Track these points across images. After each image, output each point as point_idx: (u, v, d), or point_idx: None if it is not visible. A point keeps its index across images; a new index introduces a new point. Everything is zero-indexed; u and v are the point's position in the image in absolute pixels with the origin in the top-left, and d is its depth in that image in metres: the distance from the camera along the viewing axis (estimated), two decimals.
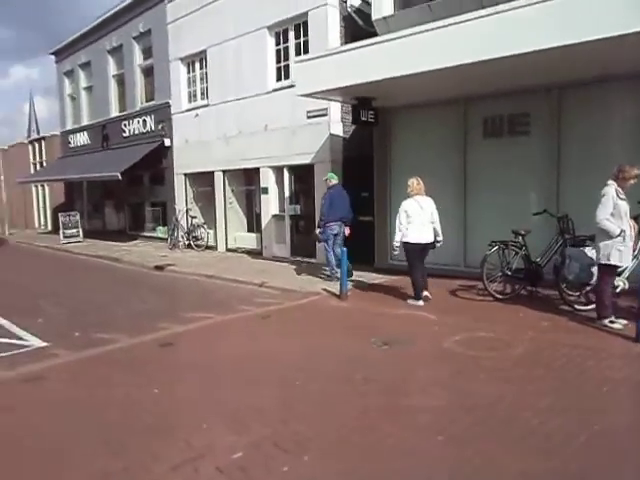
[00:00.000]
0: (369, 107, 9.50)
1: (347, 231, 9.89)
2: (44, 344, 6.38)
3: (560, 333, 6.01)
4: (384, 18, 10.22)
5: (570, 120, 8.43)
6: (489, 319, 6.75)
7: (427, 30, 7.63)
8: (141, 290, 10.05)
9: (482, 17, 6.77)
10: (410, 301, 7.83)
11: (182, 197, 16.03)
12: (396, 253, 7.93)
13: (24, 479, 3.30)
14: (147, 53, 17.25)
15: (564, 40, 6.11)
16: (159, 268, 12.40)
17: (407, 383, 4.62)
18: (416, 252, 7.74)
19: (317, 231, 9.92)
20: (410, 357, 5.36)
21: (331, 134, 11.49)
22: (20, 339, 6.68)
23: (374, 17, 10.35)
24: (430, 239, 7.79)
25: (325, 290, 8.95)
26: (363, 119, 9.40)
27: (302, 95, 9.16)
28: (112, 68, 19.10)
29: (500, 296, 7.74)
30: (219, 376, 4.92)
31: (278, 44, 12.63)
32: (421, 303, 7.69)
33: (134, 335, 6.44)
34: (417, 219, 7.66)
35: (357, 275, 9.65)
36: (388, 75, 7.73)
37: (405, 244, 7.75)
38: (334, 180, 9.95)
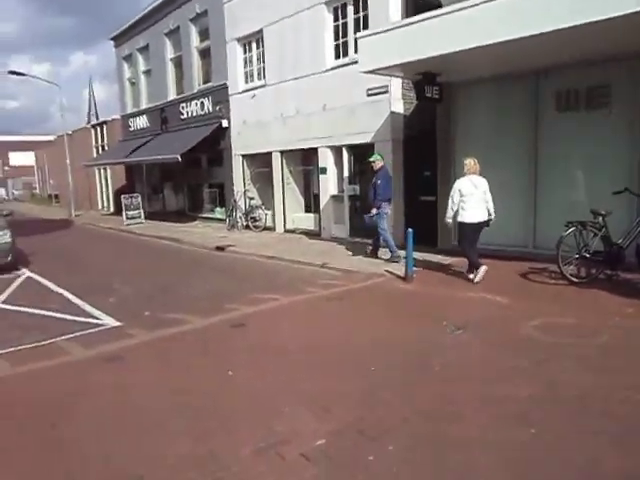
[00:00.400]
0: (434, 83, 9.14)
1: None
2: (118, 323, 6.56)
3: None
4: None
5: None
6: (566, 304, 6.42)
7: None
8: (204, 270, 10.21)
9: None
10: (471, 275, 7.96)
11: (240, 178, 16.13)
12: (449, 226, 8.39)
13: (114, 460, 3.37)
14: (204, 35, 17.32)
15: None
16: (220, 249, 12.57)
17: (489, 371, 4.42)
18: (471, 231, 7.89)
19: (374, 212, 9.71)
20: (487, 343, 5.15)
21: (392, 112, 11.18)
22: (95, 318, 6.90)
23: None
24: (484, 217, 7.86)
25: (388, 272, 8.78)
26: (428, 95, 9.06)
27: (365, 72, 8.91)
28: (169, 51, 19.32)
29: (576, 280, 7.34)
30: (293, 359, 4.88)
31: (336, 20, 12.33)
32: (484, 268, 7.84)
33: (204, 316, 6.51)
34: (471, 198, 7.74)
35: (420, 256, 9.39)
36: (461, 47, 7.35)
37: (461, 224, 7.92)
38: (381, 161, 9.93)
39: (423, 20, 7.73)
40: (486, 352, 4.89)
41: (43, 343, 5.83)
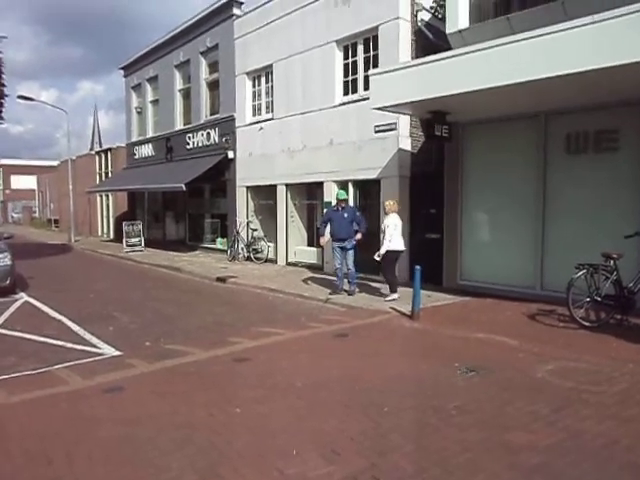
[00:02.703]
0: (443, 121, 9.20)
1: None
2: (118, 353, 6.38)
3: None
4: (459, 31, 9.96)
5: None
6: (579, 348, 6.26)
7: (517, 40, 7.29)
8: (206, 301, 10.04)
9: (579, 26, 6.38)
10: (389, 297, 9.31)
11: (243, 209, 16.11)
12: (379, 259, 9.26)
13: None
14: (213, 67, 17.60)
15: None
16: (221, 280, 12.42)
17: (506, 417, 4.24)
18: (396, 258, 9.44)
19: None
20: (502, 387, 4.97)
21: (400, 149, 11.24)
22: (94, 346, 6.71)
23: (448, 30, 10.11)
24: (404, 247, 9.58)
25: (394, 309, 8.64)
26: (437, 134, 9.10)
27: (376, 108, 8.97)
28: (178, 82, 19.60)
29: (587, 323, 7.20)
30: (302, 397, 4.69)
31: (346, 58, 12.55)
32: (397, 295, 9.32)
33: (206, 348, 6.33)
34: (397, 230, 9.31)
35: (424, 295, 9.25)
36: (473, 88, 7.44)
37: (391, 252, 9.24)
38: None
39: (437, 60, 7.84)
40: (502, 396, 4.71)
41: (40, 371, 5.64)
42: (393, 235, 9.18)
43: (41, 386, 5.06)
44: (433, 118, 9.03)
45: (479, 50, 7.38)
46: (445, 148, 10.35)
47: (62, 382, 5.20)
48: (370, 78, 8.88)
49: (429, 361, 5.83)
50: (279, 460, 3.49)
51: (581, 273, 7.19)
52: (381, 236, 9.45)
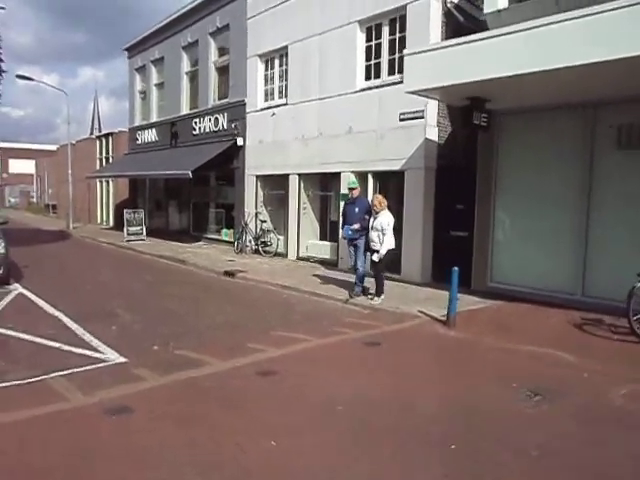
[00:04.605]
0: (482, 109, 8.38)
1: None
2: (122, 359, 5.60)
3: None
4: (498, 11, 9.13)
5: None
6: None
7: (571, 18, 6.51)
8: (214, 298, 9.26)
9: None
10: (377, 299, 8.61)
11: (252, 200, 15.27)
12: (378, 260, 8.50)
13: None
14: (223, 49, 16.71)
15: None
16: (229, 274, 11.63)
17: (604, 462, 3.48)
18: (390, 258, 8.72)
19: (356, 226, 9.00)
20: (580, 418, 4.21)
21: (426, 139, 10.42)
22: (95, 350, 5.92)
23: (487, 10, 9.29)
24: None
25: (423, 313, 7.87)
26: (475, 122, 8.29)
27: (411, 92, 8.13)
28: (185, 64, 18.68)
29: None
30: (348, 427, 3.91)
31: (369, 40, 11.67)
32: (383, 297, 8.64)
33: (224, 357, 5.56)
34: (392, 228, 8.58)
35: None
36: (522, 70, 6.65)
37: (388, 251, 8.50)
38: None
39: (483, 39, 7.01)
40: (586, 432, 3.94)
41: (33, 380, 4.87)
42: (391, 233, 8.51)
43: (34, 402, 4.29)
44: (472, 105, 8.20)
45: (534, 27, 6.56)
46: (479, 139, 9.52)
47: (59, 397, 4.43)
48: (405, 58, 8.04)
49: (482, 380, 5.07)
50: None
51: None
52: (374, 235, 8.55)
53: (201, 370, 5.13)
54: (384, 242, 8.40)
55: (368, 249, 8.87)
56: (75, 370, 5.16)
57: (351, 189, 9.53)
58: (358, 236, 9.06)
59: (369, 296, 8.88)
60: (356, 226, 8.98)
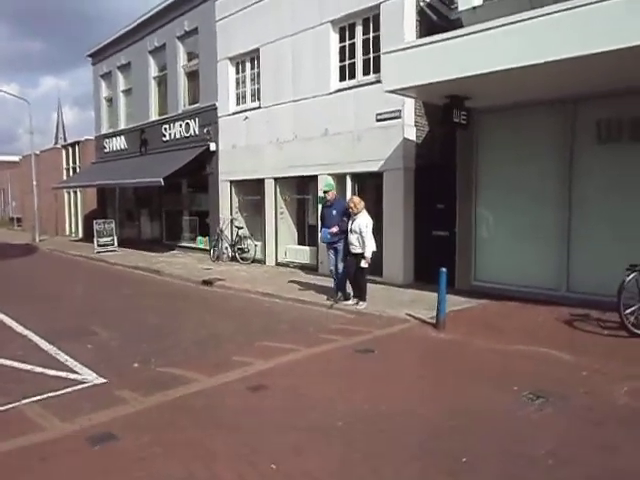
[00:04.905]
0: (462, 107, 8.29)
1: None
2: (101, 380, 5.25)
3: None
4: (473, 8, 9.08)
5: None
6: None
7: (547, 13, 6.50)
8: (194, 309, 8.92)
9: None
10: (362, 303, 8.35)
11: (227, 206, 14.92)
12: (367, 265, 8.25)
13: None
14: (192, 53, 16.34)
15: None
16: (207, 283, 11.28)
17: (620, 468, 3.33)
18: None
19: (334, 230, 8.74)
20: (587, 420, 4.07)
21: (404, 138, 10.29)
22: (71, 371, 5.55)
23: (461, 7, 9.27)
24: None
25: (411, 316, 7.71)
26: (455, 120, 8.19)
27: (390, 91, 7.98)
28: (153, 69, 18.23)
29: (638, 331, 6.40)
30: (352, 444, 3.66)
31: (343, 40, 11.51)
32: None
33: (210, 372, 5.26)
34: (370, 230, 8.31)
35: (435, 298, 8.30)
36: (503, 66, 6.59)
37: (364, 255, 8.19)
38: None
39: (464, 35, 6.90)
40: (597, 435, 3.80)
41: (4, 408, 4.48)
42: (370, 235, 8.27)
43: (6, 433, 3.93)
44: (451, 103, 8.10)
45: (517, 22, 6.49)
46: (458, 138, 9.45)
47: (34, 426, 4.07)
48: (382, 57, 7.90)
49: (482, 385, 4.90)
50: None
51: (633, 275, 6.38)
52: (354, 237, 8.27)
53: (187, 388, 4.83)
54: (367, 245, 8.18)
55: (349, 253, 8.64)
56: (50, 394, 4.80)
57: (326, 192, 9.24)
58: (337, 239, 8.80)
59: (352, 301, 8.65)
60: (334, 229, 8.72)
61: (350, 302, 8.64)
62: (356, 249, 8.31)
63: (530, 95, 8.21)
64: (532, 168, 8.70)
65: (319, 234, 9.71)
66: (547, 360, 5.65)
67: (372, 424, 3.99)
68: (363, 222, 8.23)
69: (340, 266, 8.83)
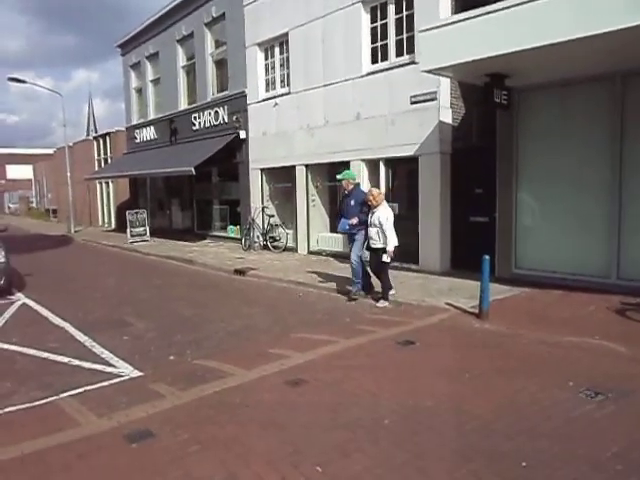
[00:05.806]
0: (502, 86, 7.88)
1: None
2: (137, 373, 5.16)
3: None
4: None
5: None
6: None
7: None
8: (228, 299, 8.81)
9: None
10: (381, 303, 7.81)
11: (258, 194, 14.79)
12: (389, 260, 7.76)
13: None
14: (220, 40, 16.16)
15: None
16: (240, 272, 11.18)
17: None
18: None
19: (354, 221, 8.16)
20: None
21: (440, 121, 9.91)
22: (107, 364, 5.49)
23: None
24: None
25: (451, 305, 7.42)
26: (496, 100, 7.79)
27: (427, 71, 7.63)
28: (181, 58, 18.14)
29: None
30: (400, 443, 3.45)
31: (374, 21, 11.13)
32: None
33: (247, 364, 5.11)
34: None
35: (476, 286, 7.91)
36: (556, 40, 6.13)
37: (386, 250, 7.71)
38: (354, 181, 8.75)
39: (510, 7, 6.45)
40: None
41: (41, 402, 4.44)
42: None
43: (43, 429, 3.85)
44: (492, 82, 7.70)
45: None
46: (498, 119, 9.02)
47: (71, 422, 3.98)
48: (418, 36, 7.56)
49: (532, 379, 4.60)
50: None
51: None
52: (373, 231, 7.79)
53: (225, 382, 4.68)
54: (389, 238, 7.64)
55: (369, 247, 8.12)
56: (87, 388, 4.74)
57: (340, 181, 8.72)
58: (356, 230, 8.23)
59: (375, 295, 8.15)
60: (354, 220, 8.14)
61: (370, 301, 8.12)
62: (376, 244, 7.83)
63: (576, 71, 7.74)
64: (578, 150, 8.24)
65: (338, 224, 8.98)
66: (601, 352, 5.31)
67: (418, 421, 3.77)
68: (383, 215, 7.72)
69: (353, 255, 8.22)
